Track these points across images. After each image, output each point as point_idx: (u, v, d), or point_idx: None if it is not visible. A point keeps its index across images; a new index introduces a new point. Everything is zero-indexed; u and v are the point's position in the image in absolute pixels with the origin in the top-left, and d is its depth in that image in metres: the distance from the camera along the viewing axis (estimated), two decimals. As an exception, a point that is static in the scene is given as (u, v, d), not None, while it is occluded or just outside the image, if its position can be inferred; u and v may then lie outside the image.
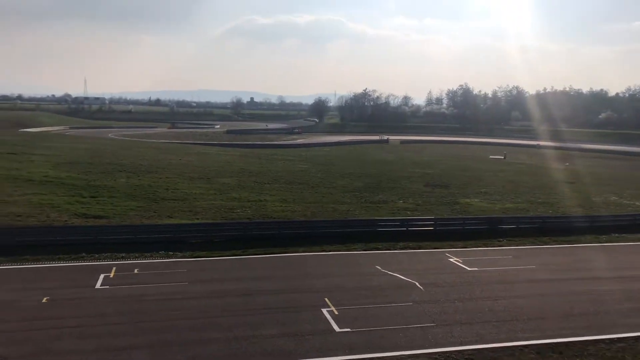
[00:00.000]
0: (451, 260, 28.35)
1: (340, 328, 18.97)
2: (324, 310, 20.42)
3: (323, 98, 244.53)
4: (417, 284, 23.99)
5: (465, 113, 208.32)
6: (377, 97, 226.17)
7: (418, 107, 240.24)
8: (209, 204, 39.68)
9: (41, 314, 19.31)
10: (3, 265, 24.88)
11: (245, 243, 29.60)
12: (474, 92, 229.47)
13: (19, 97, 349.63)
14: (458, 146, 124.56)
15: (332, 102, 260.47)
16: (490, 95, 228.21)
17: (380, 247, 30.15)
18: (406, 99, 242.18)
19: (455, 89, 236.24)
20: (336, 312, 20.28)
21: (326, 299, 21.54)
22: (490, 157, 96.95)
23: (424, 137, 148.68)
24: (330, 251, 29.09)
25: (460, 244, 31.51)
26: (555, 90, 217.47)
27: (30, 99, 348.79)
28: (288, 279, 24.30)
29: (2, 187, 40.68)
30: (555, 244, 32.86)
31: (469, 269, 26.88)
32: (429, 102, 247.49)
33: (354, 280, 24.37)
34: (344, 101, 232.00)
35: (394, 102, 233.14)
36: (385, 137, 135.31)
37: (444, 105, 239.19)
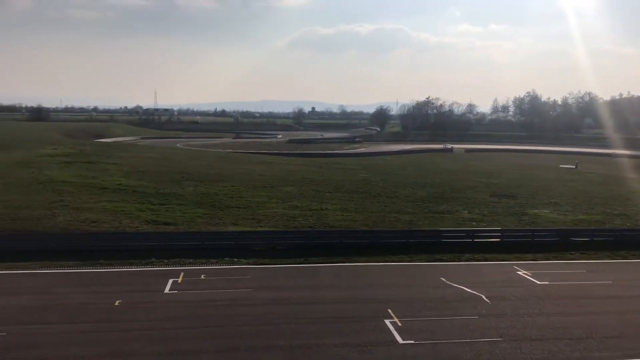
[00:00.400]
0: (519, 273, 27.34)
1: (403, 340, 18.68)
2: (387, 322, 20.18)
3: (384, 107, 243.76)
4: (483, 297, 23.28)
5: (532, 121, 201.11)
6: (440, 105, 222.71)
7: (483, 115, 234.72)
8: (271, 212, 40.27)
9: (114, 317, 20.16)
10: (80, 269, 26.22)
11: (308, 251, 29.78)
12: (542, 99, 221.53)
13: (95, 109, 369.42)
14: (525, 155, 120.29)
15: (394, 111, 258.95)
16: (559, 102, 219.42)
17: (444, 258, 29.52)
18: (470, 106, 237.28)
19: (522, 96, 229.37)
20: (399, 324, 19.99)
21: (389, 310, 21.28)
22: (561, 166, 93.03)
23: (490, 145, 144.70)
24: (392, 262, 28.78)
25: (529, 256, 30.35)
26: (632, 95, 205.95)
27: (105, 111, 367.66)
28: (350, 288, 24.21)
29: (79, 194, 43.00)
30: (634, 259, 31.01)
31: (538, 282, 25.82)
32: (495, 109, 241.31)
33: (418, 291, 23.96)
34: (406, 109, 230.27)
35: (457, 110, 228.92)
36: (449, 146, 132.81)
37: (510, 112, 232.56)
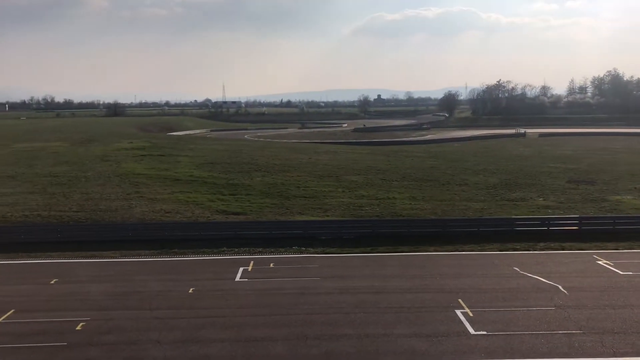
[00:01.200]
0: (600, 262, 25.90)
1: (475, 330, 18.17)
2: (458, 312, 19.70)
3: (453, 92, 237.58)
4: (560, 287, 22.23)
5: (614, 102, 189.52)
6: (512, 89, 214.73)
7: (558, 98, 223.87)
8: (337, 201, 40.30)
9: (188, 304, 20.88)
10: (155, 257, 27.37)
11: (375, 240, 29.58)
12: (625, 79, 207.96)
13: (167, 104, 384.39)
14: (606, 138, 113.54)
15: (463, 96, 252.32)
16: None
17: (518, 247, 28.44)
18: (545, 89, 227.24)
19: (601, 75, 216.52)
20: (471, 314, 19.46)
21: (460, 300, 20.77)
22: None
23: (566, 129, 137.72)
24: (463, 251, 28.06)
25: (610, 245, 28.67)
26: None
27: (176, 105, 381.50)
28: (419, 278, 23.83)
29: (153, 186, 44.85)
30: None
31: (621, 272, 24.34)
32: (571, 91, 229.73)
33: (490, 281, 23.23)
34: (475, 94, 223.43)
35: (530, 93, 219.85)
36: (522, 131, 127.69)
37: (589, 94, 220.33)
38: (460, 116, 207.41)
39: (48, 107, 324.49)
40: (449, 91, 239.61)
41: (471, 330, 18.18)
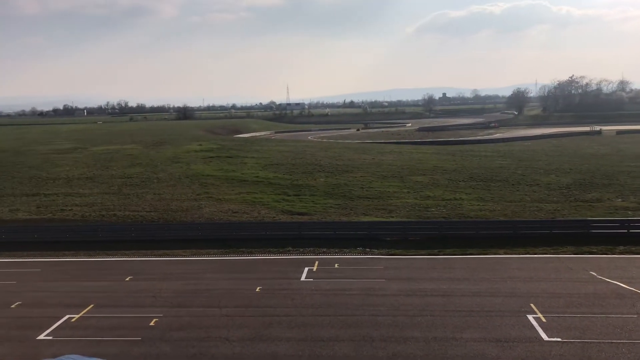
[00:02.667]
0: (687, 268, 24.15)
1: (549, 337, 17.39)
2: (530, 317, 18.94)
3: (522, 89, 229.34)
4: (643, 294, 20.92)
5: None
6: (586, 84, 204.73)
7: (638, 92, 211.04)
8: (402, 202, 39.82)
9: (255, 302, 21.25)
10: (223, 256, 28.09)
11: (441, 242, 29.02)
12: None
13: (233, 107, 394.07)
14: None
15: (533, 93, 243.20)
16: None
17: (594, 250, 27.03)
18: (623, 83, 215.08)
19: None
20: (544, 320, 18.66)
21: (532, 305, 19.97)
22: None
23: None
24: (535, 254, 26.99)
25: (698, 249, 26.70)
26: None
27: (242, 108, 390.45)
28: (488, 281, 23.11)
29: (221, 186, 46.07)
30: None
31: None
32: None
33: (564, 286, 22.18)
34: (546, 91, 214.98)
35: (607, 89, 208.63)
36: (597, 128, 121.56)
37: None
38: (530, 114, 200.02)
39: (122, 112, 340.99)
40: (518, 88, 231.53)
41: (544, 337, 17.42)
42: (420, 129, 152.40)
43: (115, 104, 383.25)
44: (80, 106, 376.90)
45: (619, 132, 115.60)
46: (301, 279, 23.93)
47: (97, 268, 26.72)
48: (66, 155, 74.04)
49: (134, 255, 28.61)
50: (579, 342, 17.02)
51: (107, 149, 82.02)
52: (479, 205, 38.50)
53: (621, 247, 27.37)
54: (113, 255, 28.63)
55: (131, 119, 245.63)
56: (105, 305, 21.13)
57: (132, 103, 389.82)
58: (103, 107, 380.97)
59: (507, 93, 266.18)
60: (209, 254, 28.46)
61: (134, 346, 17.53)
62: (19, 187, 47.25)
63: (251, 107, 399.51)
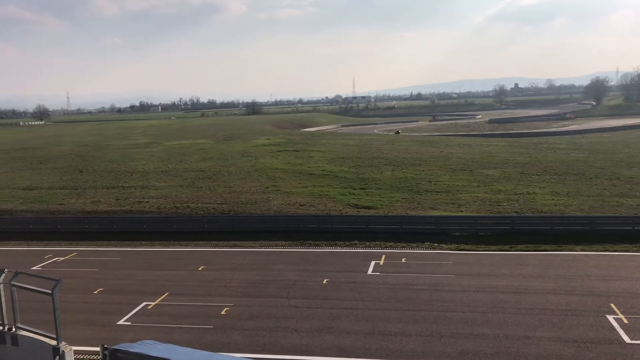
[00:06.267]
0: None
1: (631, 339, 16.47)
2: (610, 317, 18.00)
3: (601, 77, 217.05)
4: None
5: None
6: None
7: None
8: (472, 196, 38.82)
9: (322, 294, 21.44)
10: (291, 248, 28.51)
11: (513, 238, 28.08)
12: None
13: (300, 101, 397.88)
14: None
15: (614, 82, 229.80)
16: None
17: (682, 248, 25.28)
18: None
19: None
20: (625, 321, 17.68)
21: (612, 305, 18.98)
22: None
23: None
24: (614, 251, 25.58)
25: None
26: None
27: (309, 102, 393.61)
28: (563, 279, 22.14)
29: (289, 180, 46.73)
30: None
31: None
32: None
33: (648, 286, 20.90)
34: (629, 79, 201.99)
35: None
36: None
37: None
38: (610, 104, 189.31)
39: (194, 107, 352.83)
40: (597, 77, 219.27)
41: (626, 339, 16.51)
42: (491, 121, 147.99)
43: (187, 100, 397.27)
44: (155, 102, 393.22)
45: None
46: (368, 273, 23.89)
47: (172, 258, 27.85)
48: (142, 149, 77.62)
49: (206, 246, 29.60)
50: (664, 345, 16.01)
51: (180, 143, 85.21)
52: (553, 199, 36.91)
53: None
54: (186, 246, 29.76)
55: (203, 115, 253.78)
56: (179, 294, 22.02)
57: (204, 99, 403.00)
58: (176, 103, 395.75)
59: (585, 82, 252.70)
60: (277, 246, 28.97)
61: (206, 334, 18.17)
62: (99, 180, 50.04)
63: (317, 102, 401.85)
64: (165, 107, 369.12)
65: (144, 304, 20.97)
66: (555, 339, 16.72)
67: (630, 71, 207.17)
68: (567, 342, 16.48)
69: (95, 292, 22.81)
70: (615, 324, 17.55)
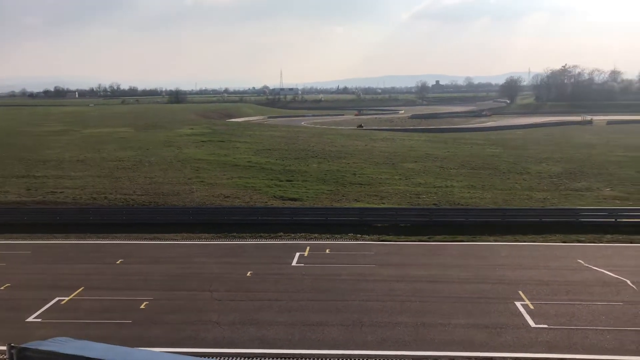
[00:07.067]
0: (673, 257, 24.50)
1: (536, 324, 17.63)
2: (518, 304, 19.17)
3: (515, 77, 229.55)
4: (628, 282, 21.22)
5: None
6: (579, 74, 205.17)
7: (630, 83, 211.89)
8: (394, 189, 39.95)
9: (246, 287, 21.33)
10: (215, 241, 28.11)
11: (432, 229, 29.18)
12: None
13: (226, 91, 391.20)
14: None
15: (526, 81, 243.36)
16: None
17: (582, 239, 27.32)
18: (614, 74, 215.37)
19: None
20: (531, 307, 18.90)
21: (520, 292, 20.21)
22: None
23: (638, 116, 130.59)
24: (524, 241, 27.23)
25: (685, 239, 27.06)
26: None
27: (235, 92, 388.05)
28: (477, 268, 23.32)
29: (213, 171, 45.97)
30: None
31: (697, 269, 22.94)
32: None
33: (552, 273, 22.44)
34: (539, 80, 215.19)
35: (599, 79, 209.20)
36: (589, 118, 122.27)
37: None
38: (522, 103, 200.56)
39: (114, 94, 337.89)
40: (511, 77, 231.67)
41: (532, 323, 17.66)
42: (413, 116, 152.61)
43: (107, 86, 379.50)
44: (72, 88, 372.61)
45: (610, 122, 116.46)
46: (292, 264, 24.02)
47: (88, 251, 26.67)
48: (57, 137, 73.53)
49: (125, 239, 28.57)
50: (565, 328, 17.27)
51: (99, 131, 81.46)
52: (469, 192, 38.71)
53: (609, 236, 27.68)
54: (104, 239, 28.58)
55: (123, 102, 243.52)
56: (95, 288, 21.14)
57: (124, 86, 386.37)
58: (95, 89, 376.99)
59: (501, 81, 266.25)
60: (200, 238, 28.47)
61: (124, 329, 17.59)
62: (8, 169, 46.89)
63: (244, 92, 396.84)
64: (83, 94, 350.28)
65: (57, 299, 19.96)
66: (469, 325, 17.60)
67: (540, 72, 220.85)
68: (480, 328, 17.40)
69: (2, 287, 21.42)
70: (522, 309, 18.71)
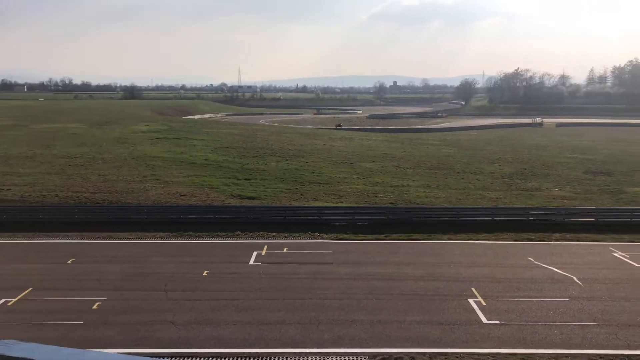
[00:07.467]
0: (616, 255, 25.66)
1: (488, 320, 18.14)
2: (471, 300, 19.67)
3: (470, 80, 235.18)
4: (574, 278, 22.10)
5: (634, 92, 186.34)
6: (530, 77, 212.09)
7: (577, 87, 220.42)
8: (351, 188, 40.27)
9: (202, 286, 21.08)
10: (171, 240, 27.64)
11: (388, 228, 29.56)
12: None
13: (183, 87, 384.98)
14: (625, 129, 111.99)
15: (480, 84, 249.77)
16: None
17: (533, 237, 28.26)
18: (563, 78, 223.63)
19: (622, 65, 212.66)
20: (484, 303, 19.43)
21: (473, 289, 20.74)
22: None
23: (584, 119, 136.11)
24: (477, 240, 27.94)
25: (626, 237, 28.37)
26: None
27: (192, 89, 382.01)
28: (432, 265, 23.80)
29: (169, 169, 45.17)
30: None
31: (637, 265, 24.11)
32: (591, 81, 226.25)
33: (504, 271, 23.14)
34: (492, 82, 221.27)
35: (549, 82, 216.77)
36: (539, 120, 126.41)
37: (609, 84, 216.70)
38: (476, 104, 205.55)
39: (66, 89, 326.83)
40: (466, 79, 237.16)
41: (484, 320, 18.16)
42: (371, 117, 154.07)
43: (58, 80, 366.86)
44: (20, 82, 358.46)
45: (559, 125, 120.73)
46: (249, 263, 23.89)
47: (37, 250, 25.77)
48: (4, 132, 70.63)
49: (76, 238, 27.73)
50: (515, 324, 17.84)
51: (49, 127, 78.71)
52: (425, 192, 39.42)
53: (557, 235, 28.73)
54: (54, 238, 27.67)
55: (76, 97, 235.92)
56: (44, 289, 20.45)
57: (77, 80, 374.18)
58: (45, 83, 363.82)
59: (456, 83, 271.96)
60: (155, 237, 27.93)
61: (75, 330, 17.10)
62: (-49, 165, 44.78)
63: (201, 89, 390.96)
64: (33, 87, 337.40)
65: (3, 300, 19.21)
66: (424, 322, 17.94)
67: (494, 75, 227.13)
68: (434, 325, 17.76)
69: (-56, 289, 20.45)
70: (475, 306, 19.21)
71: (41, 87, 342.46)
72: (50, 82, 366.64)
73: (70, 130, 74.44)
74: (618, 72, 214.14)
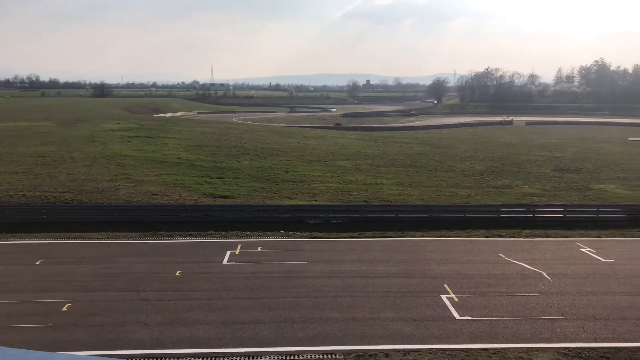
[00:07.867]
0: (583, 250, 26.30)
1: (460, 315, 18.42)
2: (443, 297, 19.93)
3: (442, 78, 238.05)
4: (544, 274, 22.58)
5: (600, 91, 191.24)
6: (501, 76, 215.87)
7: (546, 86, 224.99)
8: (326, 186, 40.33)
9: (175, 286, 20.86)
10: (142, 240, 27.26)
11: (362, 225, 29.72)
12: (612, 68, 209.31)
13: (154, 85, 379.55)
14: (591, 127, 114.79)
15: (452, 83, 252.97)
16: (630, 71, 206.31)
17: (503, 234, 28.76)
18: (532, 77, 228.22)
19: (588, 65, 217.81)
20: (456, 299, 19.70)
21: (445, 286, 21.01)
22: (630, 139, 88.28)
23: (552, 117, 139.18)
24: (449, 237, 28.31)
25: (593, 233, 29.13)
26: None
27: (164, 87, 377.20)
28: (405, 263, 24.01)
29: (140, 167, 44.50)
30: None
31: (604, 260, 24.76)
32: (559, 80, 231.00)
33: (475, 267, 23.50)
34: (464, 81, 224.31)
35: (519, 82, 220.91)
36: (509, 118, 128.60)
37: (576, 83, 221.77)
38: (448, 103, 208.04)
39: (33, 87, 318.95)
40: (438, 78, 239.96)
41: (456, 315, 18.42)
42: (344, 115, 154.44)
43: (24, 77, 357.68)
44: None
45: (528, 123, 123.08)
46: (223, 262, 23.73)
47: (3, 252, 25.11)
48: (-32, 131, 68.55)
49: (45, 238, 27.13)
50: (487, 319, 18.15)
51: (15, 125, 76.70)
52: (398, 189, 39.72)
53: (527, 231, 29.30)
54: (22, 238, 27.01)
55: (43, 95, 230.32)
56: (12, 291, 19.97)
57: (44, 77, 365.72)
58: (11, 80, 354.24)
59: (428, 82, 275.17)
60: (126, 237, 27.51)
61: (45, 333, 16.74)
62: None
63: (173, 87, 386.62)
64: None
65: (-31, 304, 18.68)
66: (397, 319, 18.10)
67: (465, 74, 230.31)
68: (407, 321, 17.94)
69: None
70: (447, 302, 19.46)
71: (6, 85, 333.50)
72: (16, 79, 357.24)
73: (38, 128, 72.69)
74: (585, 72, 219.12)
